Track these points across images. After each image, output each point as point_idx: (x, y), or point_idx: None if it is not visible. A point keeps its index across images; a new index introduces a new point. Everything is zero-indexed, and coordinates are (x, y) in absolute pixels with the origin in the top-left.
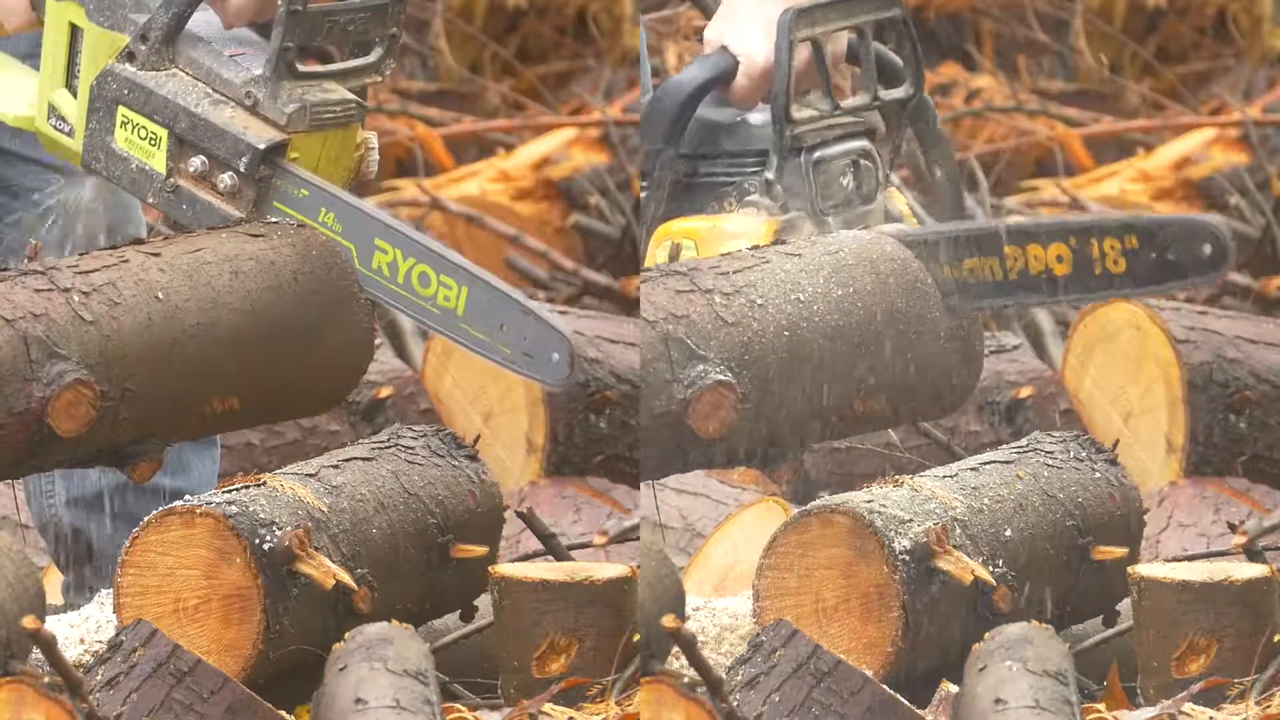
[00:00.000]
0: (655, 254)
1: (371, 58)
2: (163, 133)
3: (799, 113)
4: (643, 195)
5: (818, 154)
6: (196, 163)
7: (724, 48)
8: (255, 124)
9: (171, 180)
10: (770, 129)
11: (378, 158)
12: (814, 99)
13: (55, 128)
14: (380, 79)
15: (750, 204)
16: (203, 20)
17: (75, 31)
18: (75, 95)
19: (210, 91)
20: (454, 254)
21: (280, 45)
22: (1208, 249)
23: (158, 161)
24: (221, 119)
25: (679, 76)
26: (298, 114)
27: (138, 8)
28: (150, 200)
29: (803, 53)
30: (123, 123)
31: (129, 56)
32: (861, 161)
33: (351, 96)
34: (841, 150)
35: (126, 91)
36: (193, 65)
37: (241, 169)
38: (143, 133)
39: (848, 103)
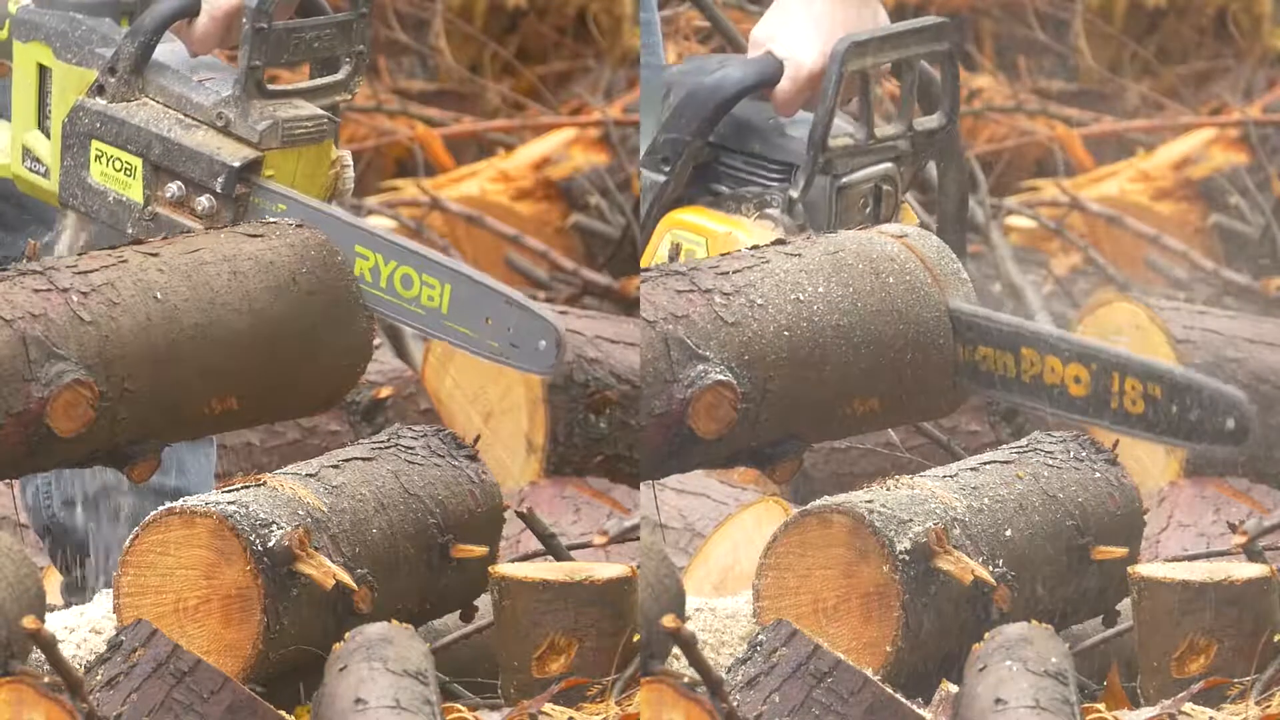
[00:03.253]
0: (659, 242)
1: (340, 75)
2: (137, 162)
3: (835, 141)
4: (646, 176)
5: (844, 179)
6: (173, 189)
7: (769, 51)
8: (228, 144)
9: (149, 209)
10: (802, 143)
11: (353, 175)
12: (850, 122)
13: (31, 170)
14: (349, 96)
15: (769, 217)
16: (169, 50)
17: (44, 72)
18: (48, 136)
19: (182, 117)
20: (434, 253)
21: (248, 64)
22: (1230, 424)
23: (134, 191)
24: (194, 142)
25: (720, 74)
26: (269, 131)
27: (104, 42)
28: (130, 230)
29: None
30: (97, 156)
31: (99, 90)
32: (883, 187)
33: (323, 112)
34: (866, 175)
35: (99, 125)
36: (162, 93)
37: (218, 189)
38: (117, 164)
39: (882, 131)
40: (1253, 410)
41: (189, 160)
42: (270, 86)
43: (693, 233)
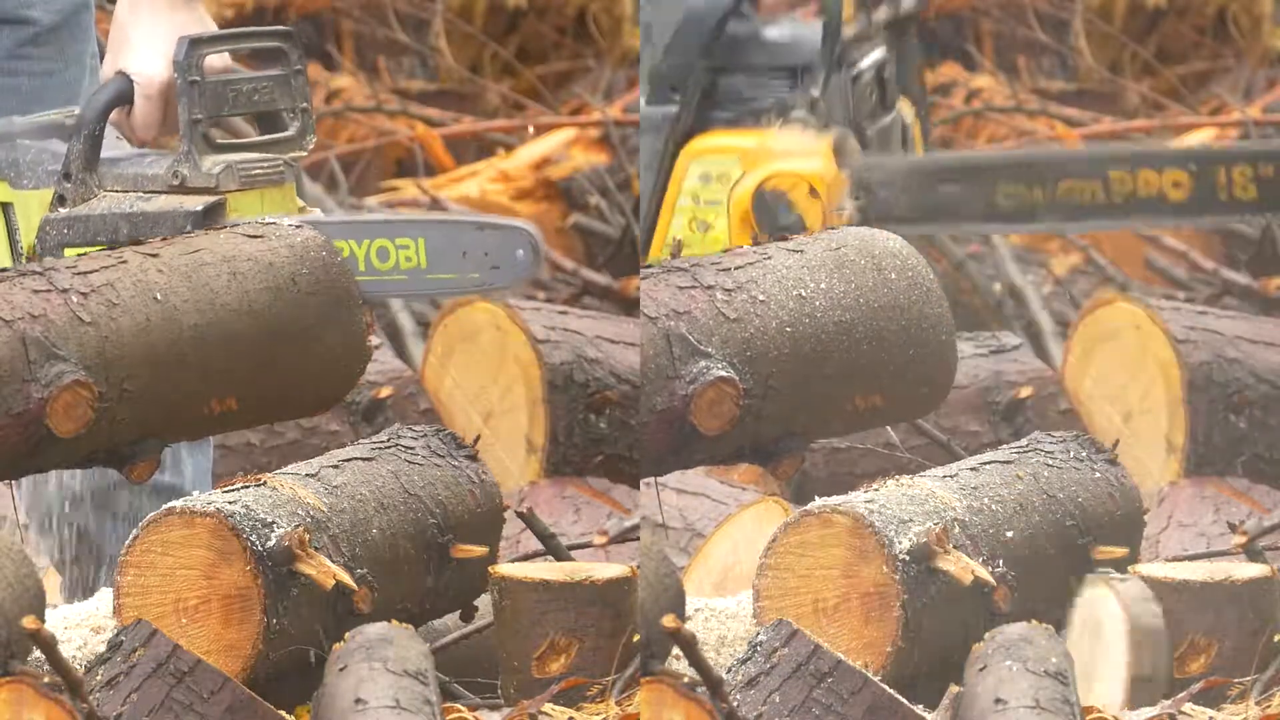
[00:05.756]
0: (684, 176)
1: (291, 131)
2: None
3: (846, 30)
4: (649, 114)
5: (854, 69)
6: None
7: None
8: (189, 199)
9: None
10: (801, 44)
11: None
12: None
13: None
14: (303, 153)
15: (795, 120)
16: (116, 146)
17: (5, 208)
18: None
19: (141, 194)
20: (397, 214)
21: (190, 118)
22: None
23: None
24: (156, 207)
25: None
26: (225, 173)
27: (55, 160)
28: None
29: None
30: None
31: (60, 200)
32: (883, 74)
33: (278, 157)
34: (870, 63)
35: (66, 230)
36: (119, 181)
37: None
38: None
39: (876, 16)
40: None
41: (154, 224)
42: (220, 141)
43: (721, 156)
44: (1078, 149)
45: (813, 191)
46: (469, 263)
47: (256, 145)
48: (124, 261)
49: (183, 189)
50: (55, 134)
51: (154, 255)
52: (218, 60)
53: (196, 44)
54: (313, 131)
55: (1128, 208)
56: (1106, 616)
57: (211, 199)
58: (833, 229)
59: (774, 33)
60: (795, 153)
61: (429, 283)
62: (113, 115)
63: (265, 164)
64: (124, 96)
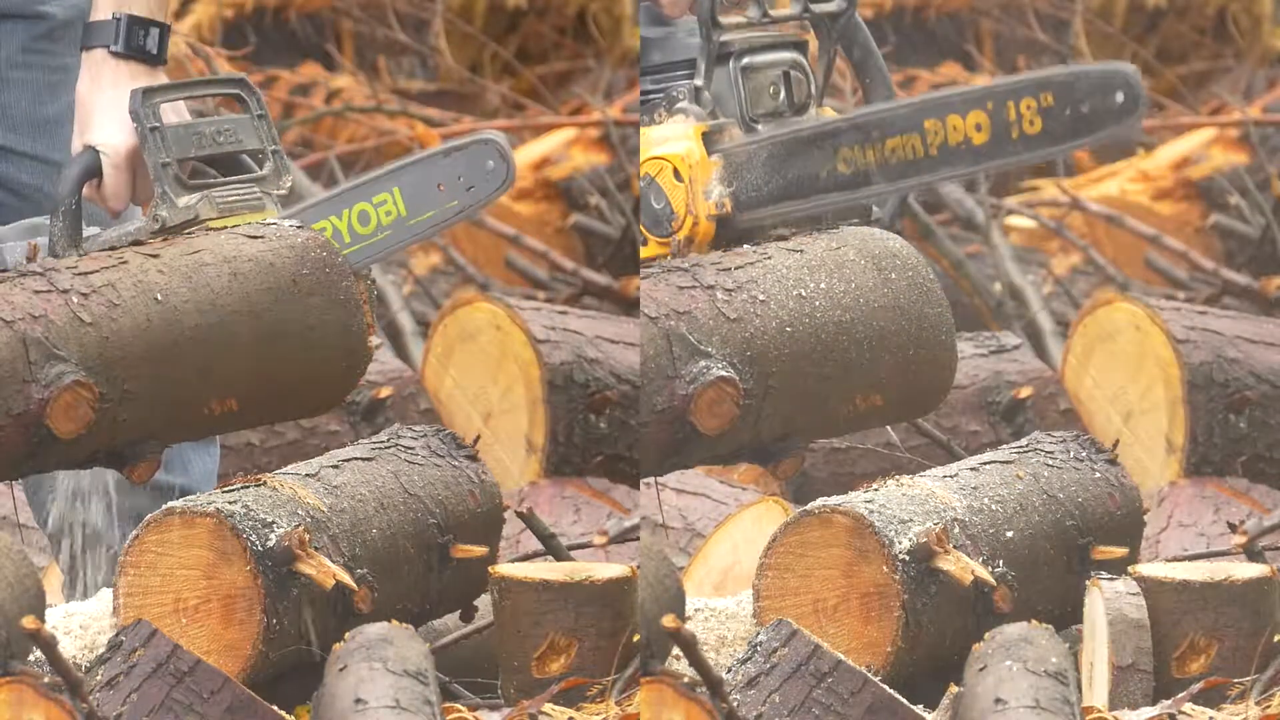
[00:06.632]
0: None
1: (264, 171)
2: None
3: (726, 19)
4: None
5: (746, 60)
6: None
7: None
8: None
9: None
10: (684, 41)
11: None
12: (745, 6)
13: None
14: (283, 191)
15: (679, 111)
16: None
17: None
18: None
19: (129, 248)
20: (366, 175)
21: (159, 163)
22: (1120, 97)
23: None
24: None
25: None
26: (203, 203)
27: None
28: None
29: None
30: None
31: None
32: (792, 73)
33: (255, 187)
34: (771, 60)
35: None
36: (104, 247)
37: None
38: None
39: (777, 11)
40: (1138, 78)
41: None
42: (191, 181)
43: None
44: (898, 102)
45: (676, 175)
46: (446, 193)
47: (231, 182)
48: (124, 262)
49: (164, 231)
50: (38, 234)
51: (154, 256)
52: (174, 116)
53: (149, 93)
54: (288, 172)
55: (941, 157)
56: (1097, 617)
57: (194, 228)
58: (715, 216)
59: (675, 32)
60: (667, 139)
61: (413, 228)
62: (85, 191)
63: (242, 191)
64: (92, 170)
